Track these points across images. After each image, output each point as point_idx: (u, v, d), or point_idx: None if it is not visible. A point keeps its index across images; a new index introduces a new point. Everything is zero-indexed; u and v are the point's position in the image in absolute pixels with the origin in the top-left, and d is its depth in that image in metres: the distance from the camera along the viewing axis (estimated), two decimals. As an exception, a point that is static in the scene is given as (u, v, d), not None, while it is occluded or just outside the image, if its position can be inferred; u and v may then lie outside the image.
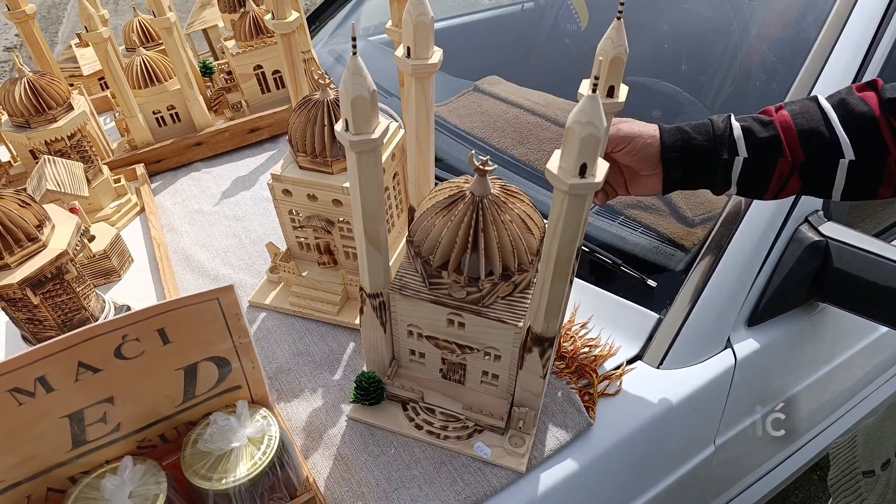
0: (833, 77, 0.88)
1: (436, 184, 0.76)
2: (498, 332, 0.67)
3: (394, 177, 0.88)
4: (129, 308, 0.89)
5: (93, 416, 0.54)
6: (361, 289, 0.70)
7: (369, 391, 0.76)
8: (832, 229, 0.87)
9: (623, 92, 0.60)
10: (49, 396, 0.51)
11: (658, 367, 0.84)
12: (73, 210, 0.92)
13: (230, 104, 1.32)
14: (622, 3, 0.55)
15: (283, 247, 0.94)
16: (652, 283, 0.90)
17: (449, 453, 0.73)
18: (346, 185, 0.80)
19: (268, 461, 0.58)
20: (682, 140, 0.68)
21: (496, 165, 0.61)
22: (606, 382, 0.82)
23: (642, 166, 0.70)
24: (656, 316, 0.87)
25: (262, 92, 1.31)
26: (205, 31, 1.51)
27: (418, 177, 0.76)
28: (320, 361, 0.85)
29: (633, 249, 0.95)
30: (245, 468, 0.57)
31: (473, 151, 0.62)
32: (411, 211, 0.84)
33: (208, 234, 1.08)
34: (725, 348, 0.87)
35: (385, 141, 0.83)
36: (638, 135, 0.68)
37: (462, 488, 0.70)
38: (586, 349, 0.85)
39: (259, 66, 1.27)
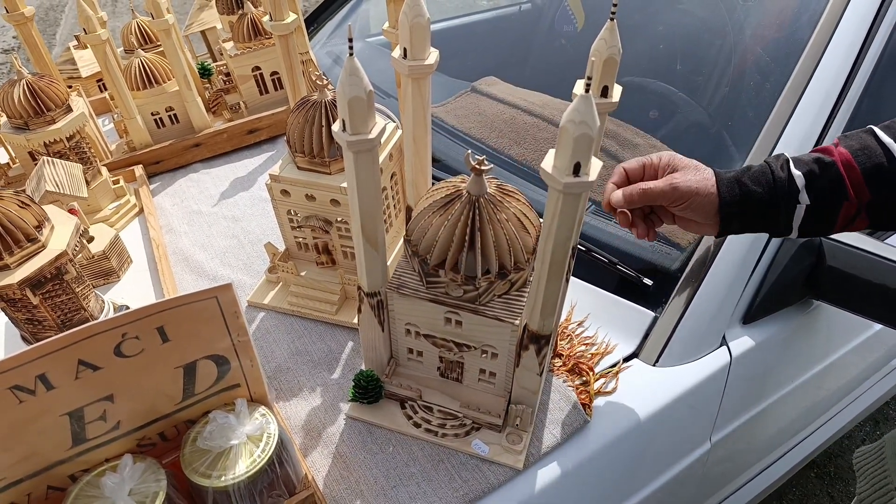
0: (826, 76, 0.89)
1: (433, 184, 0.76)
2: (495, 329, 0.68)
3: (391, 177, 0.89)
4: (128, 308, 0.89)
5: (93, 413, 0.55)
6: (359, 288, 0.71)
7: (368, 390, 0.76)
8: (826, 227, 0.88)
9: (617, 92, 0.61)
10: (49, 394, 0.52)
11: (654, 365, 0.85)
12: (71, 211, 0.93)
13: (228, 105, 1.32)
14: (615, 5, 0.55)
15: (281, 247, 0.94)
16: (648, 281, 0.91)
17: (447, 451, 0.74)
18: (344, 185, 0.81)
19: (266, 458, 0.58)
20: (741, 194, 0.65)
21: (492, 165, 0.62)
22: (603, 380, 0.82)
23: (699, 218, 0.68)
24: (652, 314, 0.88)
25: (261, 93, 1.32)
26: (203, 32, 1.51)
27: (415, 177, 0.77)
28: (319, 361, 0.86)
29: (629, 248, 0.95)
30: (244, 466, 0.57)
31: (469, 151, 0.63)
32: (409, 210, 0.84)
33: (207, 235, 1.09)
34: (721, 346, 0.88)
35: (382, 141, 0.84)
36: (695, 193, 0.66)
37: (460, 485, 0.71)
38: (583, 347, 0.86)
39: (257, 68, 1.28)
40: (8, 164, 1.18)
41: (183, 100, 1.23)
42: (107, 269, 0.98)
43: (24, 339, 0.83)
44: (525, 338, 0.67)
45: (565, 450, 0.76)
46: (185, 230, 1.10)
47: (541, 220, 0.59)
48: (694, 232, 0.72)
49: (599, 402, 0.80)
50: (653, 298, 0.90)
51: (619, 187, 0.70)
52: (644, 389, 0.82)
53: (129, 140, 1.24)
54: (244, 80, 1.28)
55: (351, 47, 0.52)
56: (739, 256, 0.87)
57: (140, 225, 1.12)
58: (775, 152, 0.88)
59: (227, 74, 1.36)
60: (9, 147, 1.16)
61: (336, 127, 0.57)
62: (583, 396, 0.80)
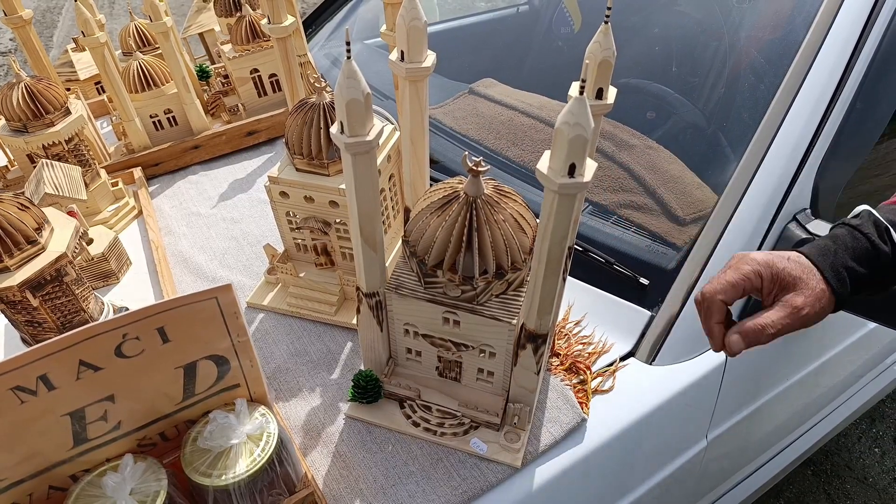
0: (819, 78, 0.90)
1: (431, 185, 0.77)
2: (492, 329, 0.68)
3: (389, 178, 0.89)
4: (127, 310, 0.90)
5: (94, 414, 0.55)
6: (358, 289, 0.71)
7: (367, 389, 0.77)
8: (820, 227, 0.88)
9: (612, 94, 0.62)
10: (50, 395, 0.52)
11: (650, 364, 0.85)
12: (71, 213, 0.93)
13: (227, 108, 1.33)
14: (609, 8, 0.56)
15: (280, 248, 0.95)
16: (644, 281, 0.91)
17: (445, 449, 0.75)
18: (343, 186, 0.81)
19: (266, 458, 0.59)
20: (852, 285, 0.64)
21: (489, 166, 0.63)
22: (600, 379, 0.83)
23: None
24: (648, 313, 0.89)
25: (259, 95, 1.32)
26: (201, 35, 1.52)
27: (413, 178, 0.78)
28: (318, 361, 0.86)
29: (625, 248, 0.96)
30: (244, 465, 0.58)
31: (467, 153, 0.63)
32: (407, 212, 0.85)
33: (206, 237, 1.09)
34: (717, 344, 0.89)
35: (381, 143, 0.84)
36: (822, 310, 0.63)
37: (458, 483, 0.71)
38: (580, 346, 0.87)
39: (255, 70, 1.28)
40: (6, 166, 1.18)
41: (181, 102, 1.23)
42: (106, 271, 0.98)
43: (24, 340, 0.84)
44: (522, 337, 0.68)
45: (563, 448, 0.76)
46: (185, 232, 1.11)
47: (537, 220, 0.59)
48: None
49: (596, 400, 0.81)
50: (649, 298, 0.90)
51: (723, 325, 0.66)
52: (640, 388, 0.83)
53: (128, 142, 1.24)
54: (242, 82, 1.29)
55: (349, 50, 0.53)
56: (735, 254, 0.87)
57: (139, 227, 1.12)
58: (770, 153, 0.88)
59: (226, 77, 1.36)
60: (7, 150, 1.16)
61: (334, 129, 0.57)
62: (580, 395, 0.81)
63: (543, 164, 0.53)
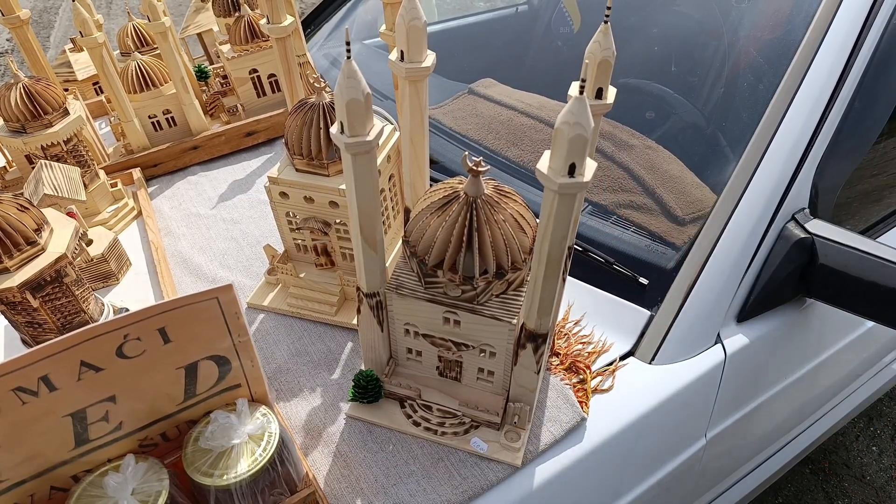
0: (818, 77, 0.90)
1: (431, 185, 0.77)
2: (493, 329, 0.69)
3: (389, 178, 0.89)
4: (127, 310, 0.90)
5: (95, 414, 0.55)
6: (358, 289, 0.71)
7: (367, 389, 0.77)
8: (818, 226, 0.89)
9: (612, 94, 0.62)
10: (52, 395, 0.52)
11: (650, 363, 0.86)
12: (70, 214, 0.93)
13: (226, 108, 1.33)
14: (609, 8, 0.56)
15: (280, 249, 0.95)
16: (644, 280, 0.91)
17: (446, 449, 0.75)
18: (343, 187, 0.81)
19: (268, 457, 0.59)
20: None
21: (489, 166, 0.63)
22: (600, 378, 0.83)
23: None
24: (648, 313, 0.89)
25: (258, 96, 1.32)
26: (200, 35, 1.52)
27: (413, 178, 0.78)
28: (319, 361, 0.87)
29: (625, 248, 0.96)
30: (246, 464, 0.58)
31: (467, 153, 0.64)
32: (407, 212, 0.85)
33: (206, 238, 1.09)
34: (715, 343, 0.89)
35: (381, 143, 0.84)
36: None
37: (459, 483, 0.71)
38: (580, 346, 0.87)
39: (254, 70, 1.28)
40: (5, 167, 1.18)
41: (180, 102, 1.23)
42: (106, 272, 0.98)
43: (24, 342, 0.84)
44: (522, 336, 0.68)
45: (563, 447, 0.77)
46: (184, 233, 1.11)
47: (537, 220, 0.60)
48: None
49: (596, 399, 0.81)
50: (648, 297, 0.91)
51: None
52: (640, 387, 0.83)
53: (127, 143, 1.24)
54: (241, 82, 1.29)
55: (349, 50, 0.53)
56: (734, 255, 0.88)
57: (139, 228, 1.12)
58: (769, 152, 0.89)
59: (225, 77, 1.36)
60: (6, 151, 1.16)
61: (334, 129, 0.57)
62: (580, 394, 0.81)
63: (543, 164, 0.54)
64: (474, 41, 1.83)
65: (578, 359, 0.85)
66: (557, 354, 0.86)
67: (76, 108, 1.06)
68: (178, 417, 0.61)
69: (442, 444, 0.75)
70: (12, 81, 1.00)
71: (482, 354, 0.73)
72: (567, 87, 0.63)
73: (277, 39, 0.88)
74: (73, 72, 1.44)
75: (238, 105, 1.32)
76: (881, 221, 1.13)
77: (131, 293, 0.98)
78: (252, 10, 1.29)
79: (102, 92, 1.45)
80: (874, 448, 1.85)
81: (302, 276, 0.92)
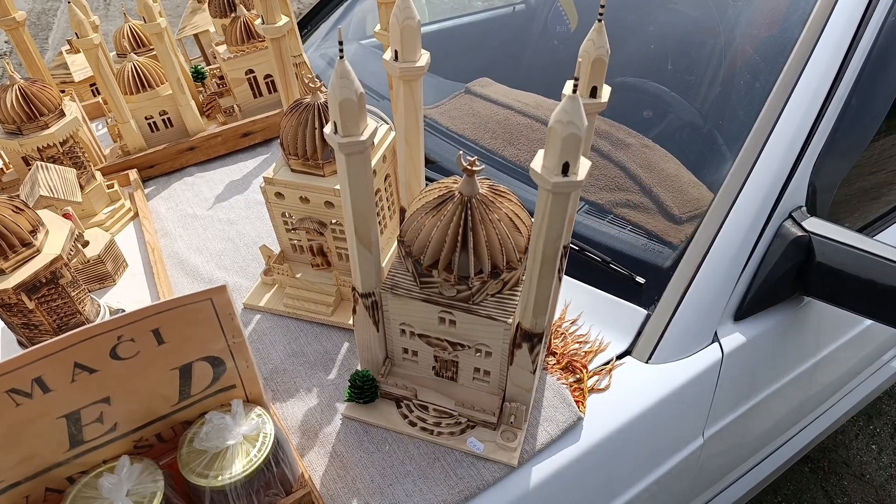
0: (815, 75, 0.90)
1: (427, 185, 0.77)
2: (488, 328, 0.68)
3: (385, 178, 0.89)
4: (123, 312, 0.90)
5: (89, 416, 0.55)
6: (354, 289, 0.71)
7: (363, 389, 0.77)
8: (815, 225, 0.89)
9: (606, 92, 0.62)
10: (46, 397, 0.52)
11: (647, 362, 0.86)
12: (66, 216, 0.93)
13: (222, 109, 1.33)
14: (602, 6, 0.56)
15: (276, 249, 0.95)
16: (640, 279, 0.91)
17: (442, 449, 0.75)
18: (338, 187, 0.81)
19: (263, 458, 0.59)
20: None
21: (484, 166, 0.63)
22: (596, 378, 0.83)
23: None
24: (645, 312, 0.89)
25: (254, 96, 1.32)
26: (196, 36, 1.52)
27: (409, 178, 0.78)
28: (315, 362, 0.87)
29: (621, 247, 0.96)
30: (241, 465, 0.58)
31: (461, 152, 0.63)
32: (402, 212, 0.85)
33: (202, 238, 1.09)
34: (713, 342, 0.89)
35: (376, 143, 0.84)
36: None
37: (455, 482, 0.71)
38: (576, 345, 0.87)
39: (251, 71, 1.28)
40: (2, 169, 1.18)
41: (177, 103, 1.23)
42: (102, 273, 0.98)
43: (20, 343, 0.84)
44: (518, 336, 0.68)
45: (559, 446, 0.76)
46: (181, 234, 1.11)
47: (533, 219, 0.59)
48: None
49: (593, 399, 0.81)
50: (645, 296, 0.90)
51: None
52: (637, 386, 0.83)
53: (123, 144, 1.24)
54: (238, 83, 1.29)
55: (341, 50, 0.53)
56: (730, 254, 0.88)
57: (135, 229, 1.12)
58: (765, 150, 0.89)
59: (221, 78, 1.36)
60: (2, 153, 1.16)
61: (328, 129, 0.57)
62: (576, 394, 0.81)
63: (537, 163, 0.53)
64: (471, 41, 1.83)
65: (575, 358, 0.85)
66: (554, 354, 0.86)
67: (72, 109, 1.06)
68: (173, 418, 0.61)
69: (438, 444, 0.75)
70: (8, 83, 1.00)
71: (478, 354, 0.73)
72: (563, 86, 0.63)
73: (272, 40, 0.88)
74: (70, 73, 1.44)
75: (234, 106, 1.32)
76: (879, 219, 1.13)
77: (128, 294, 0.98)
78: (248, 10, 1.29)
79: (99, 93, 1.45)
80: (874, 446, 1.85)
81: (298, 276, 0.92)
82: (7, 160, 1.17)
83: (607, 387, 0.82)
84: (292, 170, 0.85)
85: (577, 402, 0.80)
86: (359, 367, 0.80)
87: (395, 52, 0.65)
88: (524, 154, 1.13)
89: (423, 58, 0.66)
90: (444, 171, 1.11)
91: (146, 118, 1.24)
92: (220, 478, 0.57)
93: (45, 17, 5.01)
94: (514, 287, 0.70)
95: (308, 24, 1.79)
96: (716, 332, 0.89)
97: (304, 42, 1.73)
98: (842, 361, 1.21)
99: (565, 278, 0.94)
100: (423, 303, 0.69)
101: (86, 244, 0.97)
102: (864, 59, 0.92)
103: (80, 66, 1.44)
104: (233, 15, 1.28)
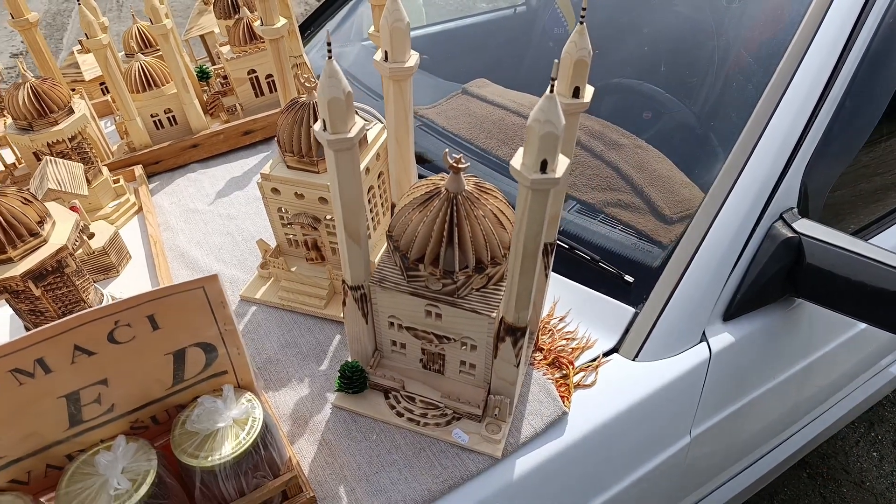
0: (807, 77, 0.91)
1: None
2: (473, 322, 0.71)
3: (379, 176, 0.92)
4: (125, 302, 0.93)
5: (88, 396, 0.58)
6: (344, 281, 0.74)
7: (352, 380, 0.79)
8: (805, 226, 0.89)
9: (589, 93, 0.64)
10: (47, 377, 0.55)
11: (634, 360, 0.87)
12: (73, 208, 0.96)
13: (225, 107, 1.36)
14: (584, 9, 0.58)
15: (273, 244, 0.98)
16: (629, 278, 0.93)
17: (428, 439, 0.77)
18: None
19: (251, 441, 0.61)
20: None
21: (469, 163, 0.65)
22: (582, 374, 0.85)
23: None
24: (633, 310, 0.90)
25: (256, 95, 1.35)
26: (202, 36, 1.55)
27: (399, 175, 0.80)
28: (307, 353, 0.89)
29: (612, 246, 0.98)
30: (230, 447, 0.60)
31: (447, 150, 0.66)
32: (394, 208, 0.87)
33: (203, 233, 1.12)
34: (701, 342, 0.90)
35: (370, 141, 0.87)
36: None
37: (440, 472, 0.73)
38: (564, 342, 0.89)
39: (253, 71, 1.31)
40: (14, 163, 1.22)
41: (181, 102, 1.26)
42: (106, 264, 1.01)
43: (27, 329, 0.87)
44: (502, 330, 0.70)
45: (543, 440, 0.78)
46: (182, 227, 1.14)
47: (515, 215, 0.61)
48: None
49: (579, 395, 0.83)
50: (634, 295, 0.92)
51: None
52: (623, 383, 0.85)
53: (130, 141, 1.28)
54: (240, 82, 1.32)
55: (329, 50, 0.55)
56: (719, 254, 0.89)
57: (139, 223, 1.15)
58: (756, 151, 0.89)
59: (225, 77, 1.39)
60: (15, 148, 1.20)
61: (317, 126, 0.60)
62: (562, 389, 0.83)
63: (517, 161, 0.56)
64: (472, 42, 1.85)
65: (562, 354, 0.87)
66: (541, 349, 0.88)
67: (81, 107, 1.09)
68: (167, 402, 0.64)
69: (424, 434, 0.77)
70: (21, 81, 1.04)
71: (463, 347, 0.75)
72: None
73: (271, 41, 0.90)
74: (81, 72, 1.48)
75: (237, 104, 1.35)
76: (876, 222, 1.14)
77: (130, 285, 1.01)
78: (251, 12, 1.32)
79: (108, 92, 1.49)
80: (874, 453, 1.84)
81: (293, 270, 0.95)
82: (20, 155, 1.20)
83: (593, 383, 0.84)
84: (288, 166, 0.87)
85: (562, 397, 0.81)
86: (349, 359, 0.82)
87: (385, 52, 0.68)
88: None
89: (412, 59, 0.69)
90: (438, 170, 1.13)
91: (152, 116, 1.27)
92: (209, 458, 0.59)
93: (60, 17, 5.09)
94: (498, 282, 0.72)
95: (312, 24, 1.82)
96: (704, 332, 0.90)
97: (308, 42, 1.76)
98: (836, 365, 1.21)
99: (555, 276, 0.96)
100: (410, 296, 0.71)
101: (91, 236, 1.00)
102: (859, 61, 0.92)
103: (90, 66, 1.48)
104: (236, 17, 1.31)
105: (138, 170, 1.24)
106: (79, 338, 0.55)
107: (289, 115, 0.83)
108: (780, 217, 0.92)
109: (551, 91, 0.52)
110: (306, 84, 0.82)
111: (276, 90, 1.36)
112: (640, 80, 1.20)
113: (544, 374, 0.84)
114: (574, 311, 0.93)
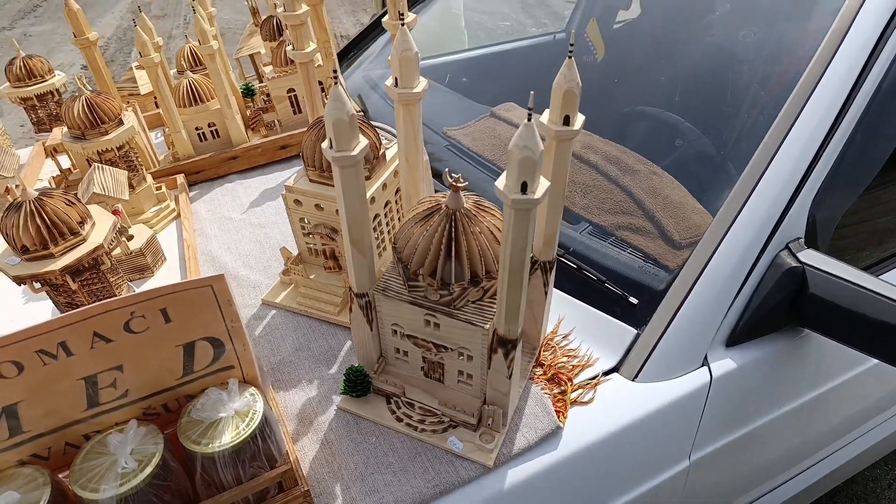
0: (818, 109, 0.91)
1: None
2: (467, 332, 0.74)
3: (396, 192, 0.96)
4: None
5: (105, 380, 0.64)
6: (350, 289, 0.78)
7: (356, 384, 0.83)
8: (810, 256, 0.89)
9: (579, 120, 0.67)
10: (69, 360, 0.61)
11: (633, 380, 0.88)
12: (115, 212, 1.04)
13: (265, 123, 1.44)
14: (572, 45, 0.62)
15: (295, 252, 1.03)
16: (634, 300, 0.94)
17: (424, 445, 0.80)
18: (347, 196, 0.89)
19: (250, 432, 0.66)
20: None
21: (468, 182, 0.69)
22: (580, 391, 0.86)
23: None
24: (635, 331, 0.92)
25: (294, 112, 1.43)
26: (252, 56, 1.65)
27: (408, 191, 0.84)
28: (319, 356, 0.94)
29: (619, 267, 0.99)
30: (230, 437, 0.65)
31: (447, 169, 0.70)
32: (404, 222, 0.91)
33: (234, 239, 1.19)
34: (702, 366, 0.90)
35: (388, 160, 0.92)
36: None
37: (433, 477, 0.76)
38: (565, 359, 0.91)
39: (292, 90, 1.39)
40: (69, 169, 1.33)
41: (223, 117, 1.35)
42: (143, 264, 1.09)
43: (65, 321, 0.94)
44: (494, 342, 0.73)
45: (536, 453, 0.80)
46: (216, 234, 1.21)
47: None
48: None
49: (576, 411, 0.84)
50: (638, 317, 0.93)
51: None
52: (621, 402, 0.86)
53: (175, 151, 1.37)
54: (280, 100, 1.40)
55: (335, 76, 0.60)
56: (723, 279, 0.90)
57: (176, 228, 1.24)
58: (763, 179, 0.90)
59: (268, 95, 1.48)
60: (70, 154, 1.31)
61: (325, 145, 0.65)
62: (558, 405, 0.85)
63: (501, 182, 0.59)
64: (510, 67, 1.90)
65: (562, 371, 0.88)
66: (542, 365, 0.90)
67: (130, 119, 1.19)
68: (177, 391, 0.69)
69: (421, 440, 0.80)
70: (77, 94, 1.14)
71: (461, 357, 0.78)
72: (586, 111, 0.68)
73: (301, 63, 0.97)
74: (137, 87, 1.59)
75: (276, 120, 1.43)
76: (887, 259, 1.12)
77: (162, 285, 1.08)
78: (292, 35, 1.40)
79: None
80: (909, 498, 1.76)
81: (311, 277, 1.00)
82: (75, 162, 1.31)
83: (591, 400, 0.86)
84: (310, 180, 0.93)
85: (558, 412, 0.83)
86: (355, 364, 0.87)
87: (395, 78, 0.73)
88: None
89: (421, 84, 0.74)
90: (458, 189, 1.17)
91: (196, 129, 1.36)
92: (210, 446, 0.64)
93: (130, 33, 5.43)
94: (493, 295, 0.75)
95: (355, 48, 1.91)
96: (706, 357, 0.91)
97: (351, 64, 1.84)
98: (851, 399, 1.18)
99: (562, 294, 0.98)
100: (410, 305, 0.75)
101: (130, 238, 1.08)
102: (871, 95, 0.92)
103: (145, 81, 1.60)
104: (280, 39, 1.40)
105: (180, 178, 1.33)
106: (98, 325, 0.61)
107: (312, 132, 0.89)
108: (786, 247, 0.92)
109: (528, 120, 0.55)
110: (327, 104, 0.87)
111: (312, 108, 1.44)
112: (659, 108, 1.22)
113: (542, 389, 0.86)
114: (578, 329, 0.94)
